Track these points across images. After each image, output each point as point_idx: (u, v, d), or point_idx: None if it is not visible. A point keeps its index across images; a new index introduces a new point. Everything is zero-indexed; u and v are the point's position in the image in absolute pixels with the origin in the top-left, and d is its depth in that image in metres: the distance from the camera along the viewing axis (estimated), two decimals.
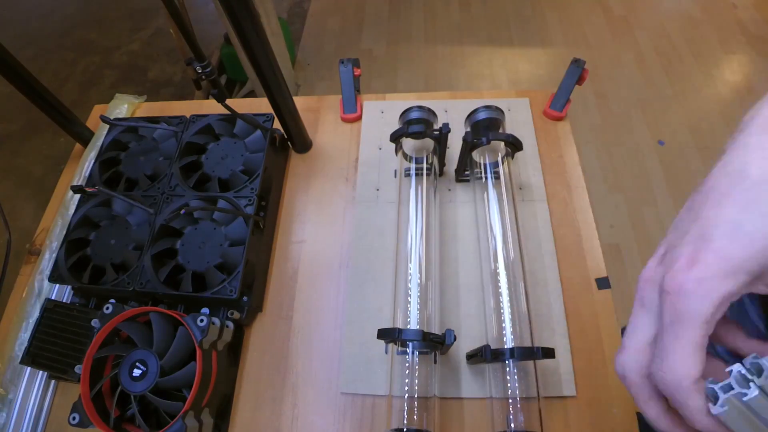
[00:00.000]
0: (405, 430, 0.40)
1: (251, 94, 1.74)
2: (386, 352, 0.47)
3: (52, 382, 0.50)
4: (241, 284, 0.46)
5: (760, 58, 1.71)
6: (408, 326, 0.44)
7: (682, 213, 0.24)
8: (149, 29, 2.12)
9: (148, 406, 0.42)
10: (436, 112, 0.53)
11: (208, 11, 2.11)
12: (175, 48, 1.90)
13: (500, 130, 0.51)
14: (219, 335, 0.44)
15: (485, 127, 0.51)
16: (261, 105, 0.65)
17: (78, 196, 0.57)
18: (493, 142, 0.49)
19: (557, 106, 0.60)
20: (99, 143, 0.61)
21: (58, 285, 0.54)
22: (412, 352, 0.42)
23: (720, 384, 0.19)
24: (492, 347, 0.40)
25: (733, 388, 0.19)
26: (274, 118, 0.57)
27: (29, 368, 0.49)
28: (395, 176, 0.58)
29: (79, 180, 0.61)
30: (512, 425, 0.39)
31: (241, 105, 0.65)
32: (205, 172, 0.56)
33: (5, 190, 1.66)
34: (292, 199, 0.59)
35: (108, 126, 0.61)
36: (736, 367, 0.19)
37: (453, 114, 0.62)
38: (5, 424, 0.47)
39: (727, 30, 1.80)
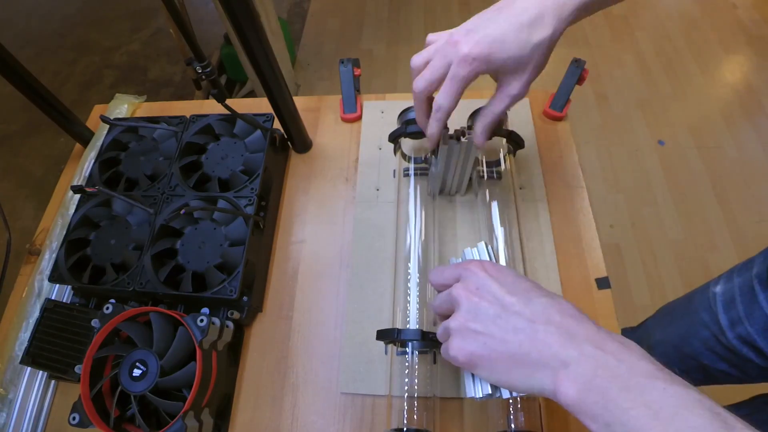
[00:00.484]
0: (405, 430, 0.40)
1: (251, 94, 1.74)
2: (386, 352, 0.47)
3: (52, 382, 0.50)
4: (241, 284, 0.46)
5: (760, 58, 1.71)
6: (407, 326, 0.44)
7: (488, 11, 0.37)
8: (149, 29, 2.12)
9: (148, 406, 0.42)
10: None
11: (208, 11, 2.11)
12: (175, 48, 1.90)
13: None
14: (219, 335, 0.44)
15: None
16: (261, 105, 0.65)
17: (78, 196, 0.57)
18: (494, 141, 0.49)
19: (557, 106, 0.60)
20: (99, 143, 0.61)
21: (58, 285, 0.54)
22: (412, 352, 0.42)
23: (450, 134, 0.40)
24: None
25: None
26: (274, 118, 0.57)
27: (29, 368, 0.49)
28: (394, 176, 0.58)
29: (79, 180, 0.61)
30: (512, 425, 0.39)
31: (241, 105, 0.65)
32: (205, 172, 0.56)
33: (5, 190, 1.66)
34: (292, 199, 0.59)
35: (108, 126, 0.61)
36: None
37: (453, 114, 0.62)
38: (5, 424, 0.47)
39: (727, 30, 1.80)
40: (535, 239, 0.52)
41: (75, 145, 0.67)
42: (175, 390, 0.41)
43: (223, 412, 0.46)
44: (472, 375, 0.35)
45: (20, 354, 0.47)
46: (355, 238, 0.54)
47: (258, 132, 0.57)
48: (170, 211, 0.51)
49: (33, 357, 0.46)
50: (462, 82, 0.36)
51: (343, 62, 0.63)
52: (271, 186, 0.57)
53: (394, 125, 0.54)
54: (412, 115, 0.52)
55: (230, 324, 0.46)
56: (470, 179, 0.53)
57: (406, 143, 0.55)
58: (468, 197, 0.55)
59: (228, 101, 0.50)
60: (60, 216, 0.59)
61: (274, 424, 0.46)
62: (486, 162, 0.53)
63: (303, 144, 0.62)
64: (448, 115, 0.39)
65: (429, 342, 0.38)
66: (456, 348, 0.30)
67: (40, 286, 0.54)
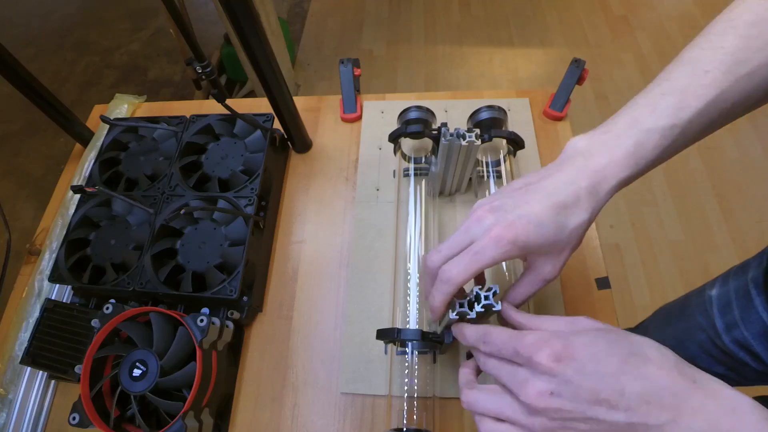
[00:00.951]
0: (405, 429, 0.40)
1: (251, 94, 1.74)
2: (386, 352, 0.47)
3: (52, 382, 0.50)
4: (241, 284, 0.46)
5: None
6: (407, 326, 0.44)
7: (519, 182, 0.34)
8: (149, 29, 2.12)
9: (148, 406, 0.42)
10: (436, 112, 0.53)
11: (208, 11, 2.11)
12: (175, 48, 1.90)
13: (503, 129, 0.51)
14: (219, 335, 0.44)
15: (488, 127, 0.51)
16: (261, 105, 0.65)
17: (78, 196, 0.57)
18: (494, 141, 0.49)
19: (557, 106, 0.60)
20: (99, 143, 0.61)
21: (58, 285, 0.54)
22: (412, 352, 0.42)
23: (459, 302, 0.33)
24: None
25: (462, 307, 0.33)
26: (274, 118, 0.57)
27: (29, 368, 0.49)
28: (394, 176, 0.58)
29: (79, 180, 0.61)
30: None
31: (241, 105, 0.65)
32: (205, 172, 0.56)
33: (5, 190, 1.66)
34: (292, 199, 0.59)
35: (108, 126, 0.61)
36: (472, 295, 0.33)
37: (453, 114, 0.62)
38: (5, 424, 0.47)
39: None
40: None
41: (75, 145, 0.67)
42: (175, 390, 0.41)
43: (223, 412, 0.46)
44: None
45: (20, 354, 0.47)
46: (355, 238, 0.54)
47: (258, 132, 0.57)
48: (170, 211, 0.51)
49: (33, 357, 0.46)
50: (486, 261, 0.31)
51: (343, 62, 0.63)
52: (271, 186, 0.57)
53: (394, 125, 0.54)
54: (412, 115, 0.52)
55: (230, 324, 0.46)
56: (470, 179, 0.53)
57: (406, 143, 0.55)
58: (468, 197, 0.55)
59: (228, 101, 0.50)
60: (60, 216, 0.59)
61: (274, 424, 0.46)
62: (487, 161, 0.53)
63: (303, 144, 0.62)
64: (457, 289, 0.33)
65: (429, 342, 0.38)
66: None
67: (40, 286, 0.54)
